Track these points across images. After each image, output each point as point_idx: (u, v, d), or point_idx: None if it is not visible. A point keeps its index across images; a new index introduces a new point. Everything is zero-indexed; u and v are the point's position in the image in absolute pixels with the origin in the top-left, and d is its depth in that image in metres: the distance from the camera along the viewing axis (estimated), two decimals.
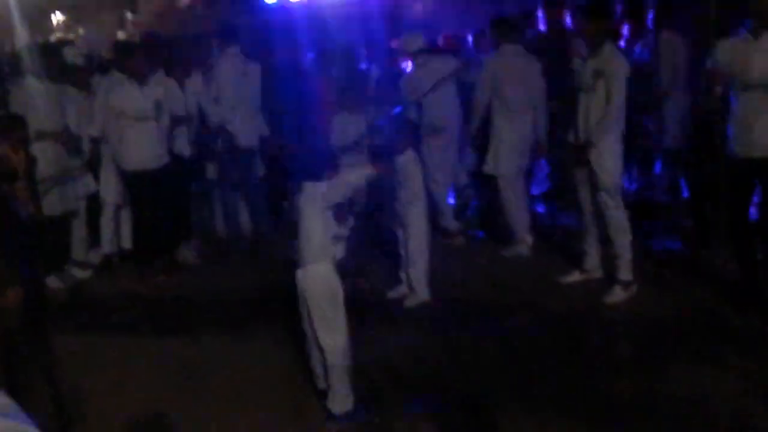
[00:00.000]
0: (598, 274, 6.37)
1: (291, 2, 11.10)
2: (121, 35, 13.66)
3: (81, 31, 15.38)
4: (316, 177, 4.37)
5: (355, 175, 4.51)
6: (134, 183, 7.12)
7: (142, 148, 7.00)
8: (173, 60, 7.75)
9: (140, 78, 7.00)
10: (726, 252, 6.03)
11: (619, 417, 4.30)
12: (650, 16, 7.50)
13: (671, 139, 7.24)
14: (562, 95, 6.77)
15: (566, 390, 4.63)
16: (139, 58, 7.08)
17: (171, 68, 7.55)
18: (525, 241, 7.27)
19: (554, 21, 8.36)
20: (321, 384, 4.58)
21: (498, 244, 7.46)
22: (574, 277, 6.41)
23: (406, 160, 5.97)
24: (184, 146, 7.53)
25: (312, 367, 4.62)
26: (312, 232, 4.36)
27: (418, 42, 7.63)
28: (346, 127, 7.39)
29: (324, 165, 4.49)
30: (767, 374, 4.54)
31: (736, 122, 5.41)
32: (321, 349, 4.41)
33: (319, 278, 4.37)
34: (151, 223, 7.13)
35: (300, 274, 4.41)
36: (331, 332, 4.36)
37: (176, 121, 7.37)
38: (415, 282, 6.13)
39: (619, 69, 5.86)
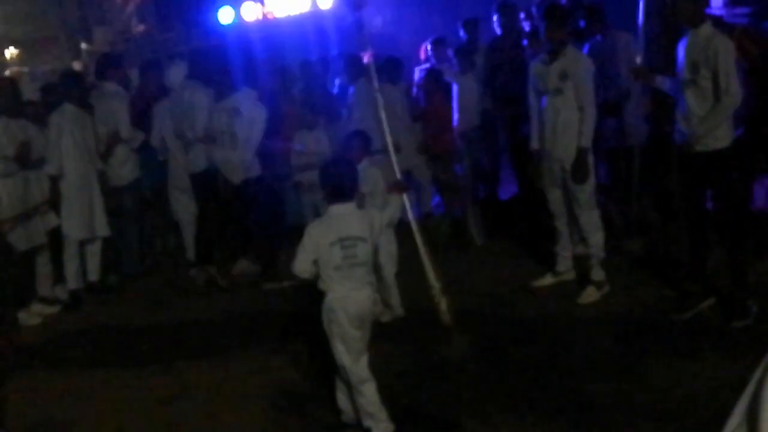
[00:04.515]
0: (570, 276, 6.38)
1: (247, 23, 11.03)
2: (77, 66, 13.51)
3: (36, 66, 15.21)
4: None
5: None
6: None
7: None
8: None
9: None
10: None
11: (599, 416, 4.30)
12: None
13: (632, 137, 7.26)
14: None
15: (545, 394, 4.62)
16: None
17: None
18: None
19: (509, 25, 8.33)
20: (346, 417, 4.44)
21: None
22: (547, 280, 6.42)
23: (364, 167, 5.58)
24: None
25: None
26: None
27: None
28: (307, 144, 7.33)
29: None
30: (739, 364, 4.56)
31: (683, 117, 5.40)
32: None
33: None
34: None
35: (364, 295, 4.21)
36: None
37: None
38: (390, 296, 5.98)
39: (587, 69, 5.92)
